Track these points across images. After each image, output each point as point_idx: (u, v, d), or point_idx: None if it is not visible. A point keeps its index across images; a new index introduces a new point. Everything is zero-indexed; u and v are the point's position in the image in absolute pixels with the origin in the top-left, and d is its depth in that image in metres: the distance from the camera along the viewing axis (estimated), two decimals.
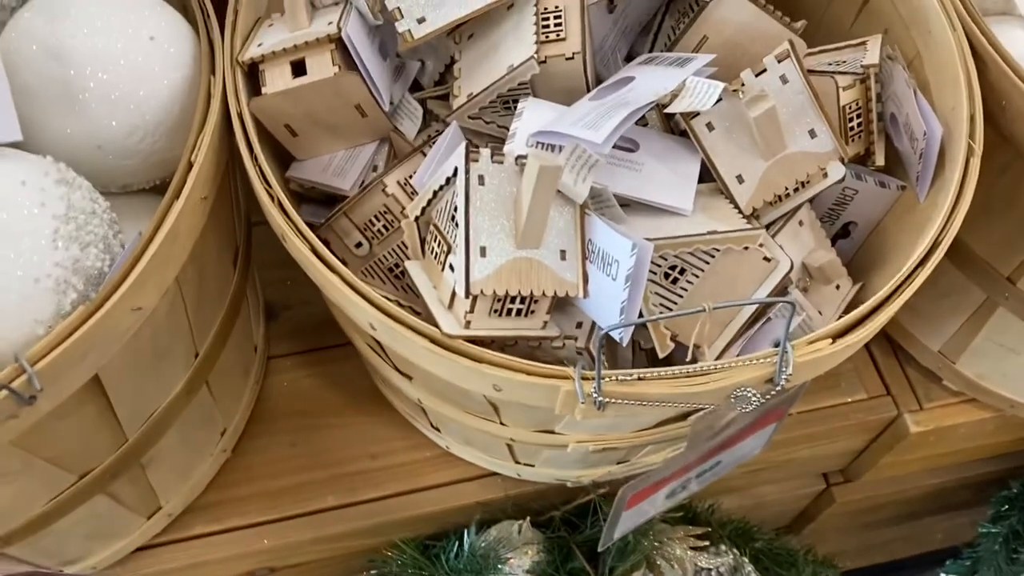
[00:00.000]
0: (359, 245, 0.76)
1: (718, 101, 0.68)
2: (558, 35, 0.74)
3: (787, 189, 0.74)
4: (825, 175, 0.75)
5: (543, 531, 0.99)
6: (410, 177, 0.74)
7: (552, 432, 0.81)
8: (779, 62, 0.70)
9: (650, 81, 0.71)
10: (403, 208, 0.73)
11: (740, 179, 0.72)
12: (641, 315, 0.64)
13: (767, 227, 0.76)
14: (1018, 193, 0.83)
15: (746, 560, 1.06)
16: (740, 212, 0.72)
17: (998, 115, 0.79)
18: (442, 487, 1.03)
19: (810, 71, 0.81)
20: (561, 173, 0.62)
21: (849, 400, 1.10)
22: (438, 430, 0.99)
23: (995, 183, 0.84)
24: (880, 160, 0.81)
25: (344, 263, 0.79)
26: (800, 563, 1.12)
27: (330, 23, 0.76)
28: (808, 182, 0.75)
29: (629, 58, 0.87)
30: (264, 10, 0.83)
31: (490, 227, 0.63)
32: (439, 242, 0.67)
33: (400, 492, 1.02)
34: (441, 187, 0.66)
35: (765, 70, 0.70)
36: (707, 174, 0.74)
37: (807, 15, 0.96)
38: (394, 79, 0.85)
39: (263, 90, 0.75)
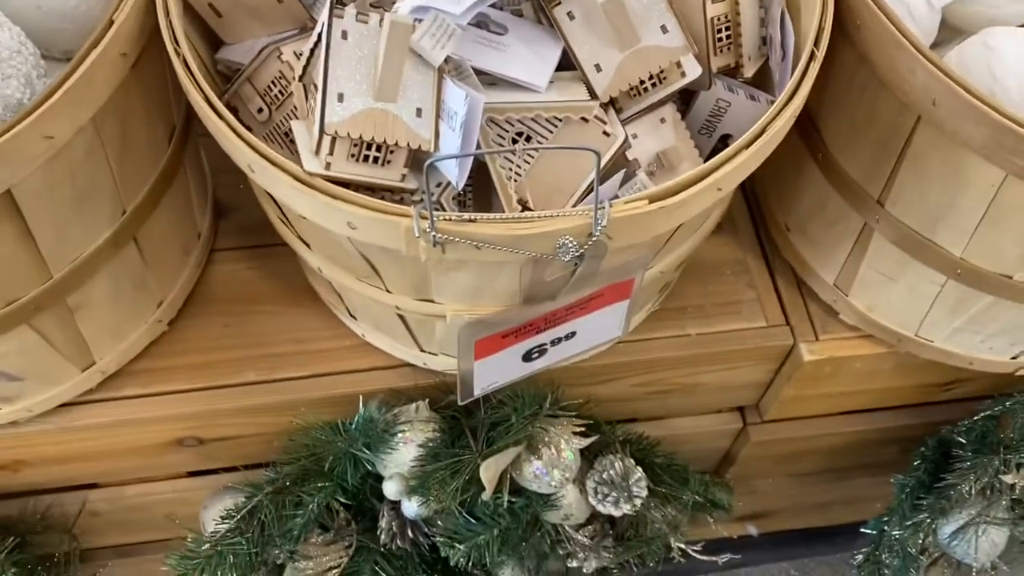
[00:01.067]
0: (260, 111, 0.86)
1: None
2: None
3: (643, 81, 0.81)
4: (683, 74, 0.82)
5: (441, 413, 1.07)
6: None
7: (432, 301, 0.89)
8: None
9: None
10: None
11: (598, 68, 0.80)
12: (480, 188, 0.72)
13: (627, 119, 0.84)
14: (876, 112, 0.89)
15: (639, 468, 1.13)
16: (594, 98, 0.79)
17: (855, 35, 0.86)
18: (358, 372, 1.11)
19: None
20: (411, 30, 0.71)
21: (749, 327, 1.16)
22: (355, 318, 1.08)
23: (858, 103, 0.91)
24: (749, 73, 0.88)
25: (250, 130, 0.89)
26: (692, 480, 1.18)
27: None
28: (665, 77, 0.82)
29: None
30: None
31: (349, 76, 0.72)
32: (313, 97, 0.76)
33: (318, 374, 1.11)
34: (315, 45, 0.75)
35: None
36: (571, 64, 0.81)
37: None
38: None
39: None
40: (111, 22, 0.80)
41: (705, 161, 0.92)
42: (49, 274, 0.89)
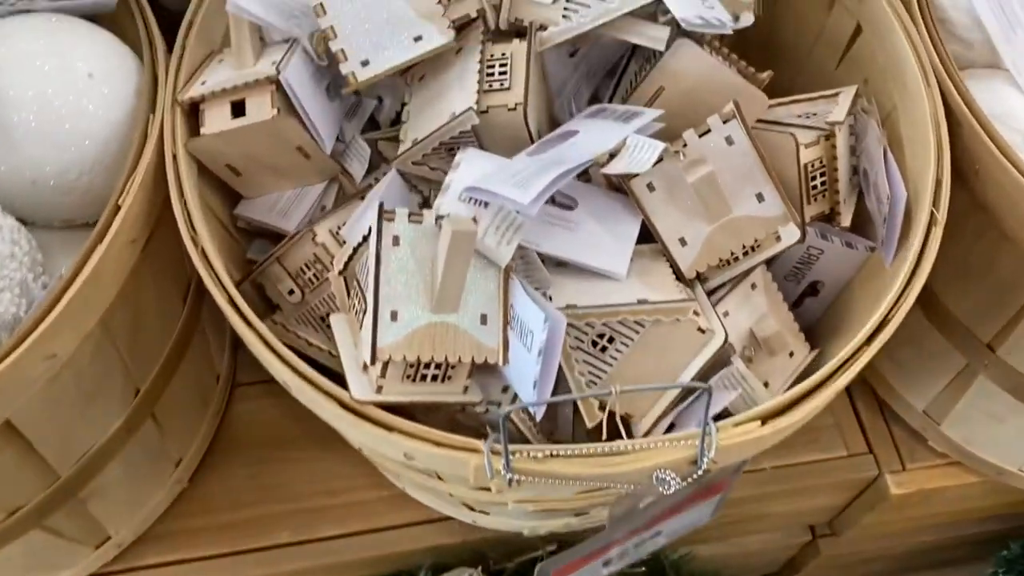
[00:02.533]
0: (291, 292, 0.74)
1: (658, 162, 0.65)
2: (502, 84, 0.71)
3: (734, 253, 0.70)
4: (778, 238, 0.71)
5: None
6: (343, 225, 0.72)
7: (490, 490, 0.78)
8: (724, 123, 0.67)
9: (592, 137, 0.68)
10: (332, 258, 0.71)
11: (683, 242, 0.69)
12: (556, 391, 0.61)
13: (715, 291, 0.73)
14: (994, 259, 0.78)
15: None
16: (679, 278, 0.68)
17: (972, 179, 0.75)
18: (398, 528, 1.00)
19: (774, 123, 0.78)
20: (475, 238, 0.60)
21: (828, 457, 1.05)
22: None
23: (972, 247, 0.80)
24: (845, 221, 0.77)
25: (278, 308, 0.78)
26: None
27: (273, 63, 0.74)
28: (758, 246, 0.71)
29: (593, 100, 0.84)
30: (218, 43, 0.82)
31: (404, 290, 0.61)
32: (359, 299, 0.65)
33: (356, 531, 1.00)
34: (360, 243, 0.64)
35: (709, 130, 0.67)
36: (650, 234, 0.70)
37: (789, 60, 0.93)
38: (347, 117, 0.83)
39: (202, 130, 0.74)
40: (117, 207, 0.69)
41: (791, 307, 0.81)
42: (56, 476, 0.78)
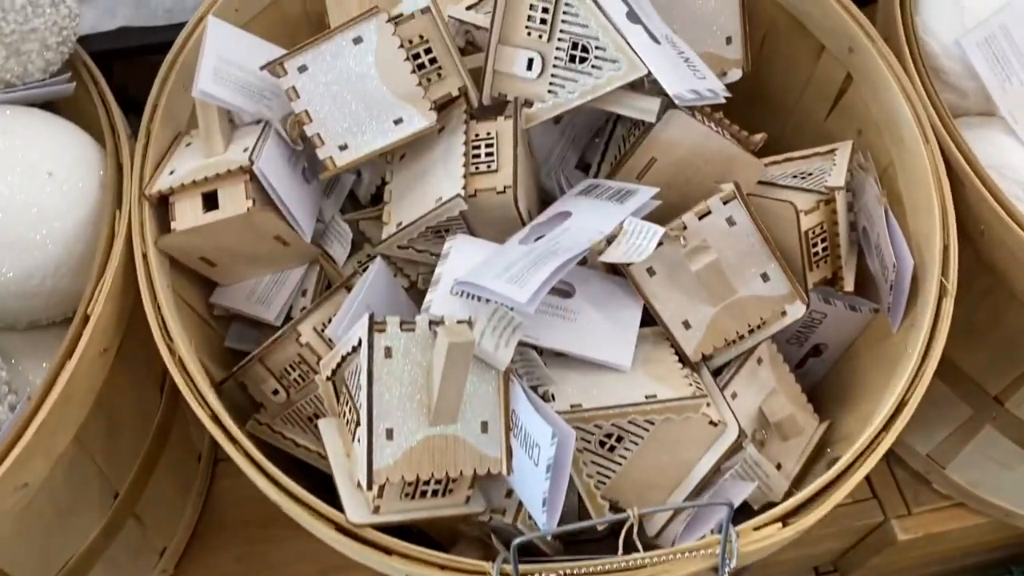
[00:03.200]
0: (276, 392, 0.71)
1: (658, 245, 0.62)
2: (489, 166, 0.67)
3: (739, 333, 0.67)
4: (784, 314, 0.68)
5: None
6: (327, 322, 0.68)
7: None
8: (724, 204, 0.64)
9: (586, 221, 0.64)
10: (319, 358, 0.67)
11: (687, 325, 0.66)
12: (563, 519, 0.57)
13: (721, 370, 0.70)
14: (1002, 317, 0.76)
15: None
16: (686, 365, 0.65)
17: (977, 239, 0.72)
18: None
19: (770, 184, 0.75)
20: (473, 348, 0.56)
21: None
22: None
23: (979, 305, 0.77)
24: (849, 286, 0.74)
25: (263, 407, 0.74)
26: None
27: (245, 150, 0.70)
28: (764, 323, 0.68)
29: (580, 165, 0.81)
30: (185, 124, 0.78)
31: (398, 403, 0.57)
32: (350, 408, 0.61)
33: None
34: (349, 353, 0.60)
35: (710, 212, 0.64)
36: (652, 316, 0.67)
37: (778, 106, 0.90)
38: (326, 194, 0.79)
39: (172, 226, 0.69)
40: (86, 317, 0.65)
41: (794, 368, 0.78)
42: None
